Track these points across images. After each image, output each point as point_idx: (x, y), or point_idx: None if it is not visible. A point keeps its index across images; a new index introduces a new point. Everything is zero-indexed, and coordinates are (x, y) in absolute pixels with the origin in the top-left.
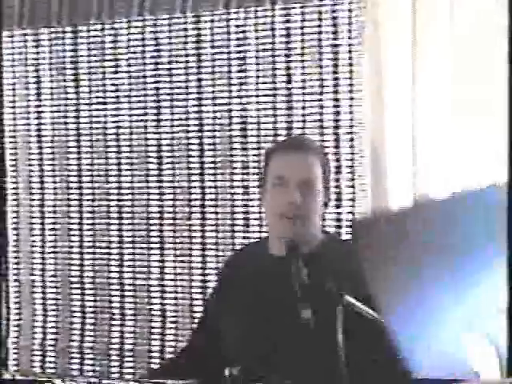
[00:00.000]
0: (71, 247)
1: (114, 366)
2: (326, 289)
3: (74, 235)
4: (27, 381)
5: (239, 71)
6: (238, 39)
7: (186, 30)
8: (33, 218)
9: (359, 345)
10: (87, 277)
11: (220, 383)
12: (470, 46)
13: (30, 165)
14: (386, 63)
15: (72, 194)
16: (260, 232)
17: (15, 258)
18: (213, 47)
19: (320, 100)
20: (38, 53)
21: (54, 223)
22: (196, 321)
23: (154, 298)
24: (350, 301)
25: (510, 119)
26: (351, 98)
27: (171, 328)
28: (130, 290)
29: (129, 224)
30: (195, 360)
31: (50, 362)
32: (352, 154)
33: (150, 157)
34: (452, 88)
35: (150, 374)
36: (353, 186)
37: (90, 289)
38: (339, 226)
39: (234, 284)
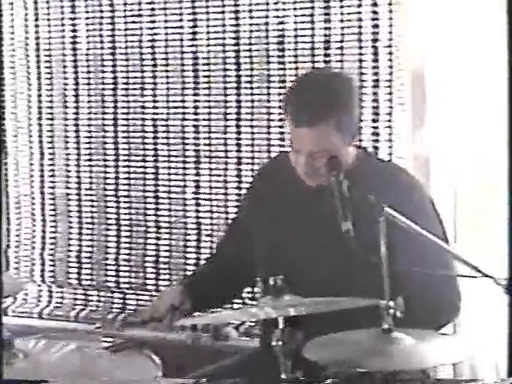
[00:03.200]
0: (106, 160)
1: (150, 279)
2: (368, 201)
3: (109, 149)
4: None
5: None
6: None
7: None
8: (67, 131)
9: (402, 257)
10: (123, 190)
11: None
12: None
13: (65, 77)
14: None
15: (106, 107)
16: None
17: (50, 171)
18: None
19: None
20: None
21: (89, 136)
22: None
23: (189, 211)
24: (392, 213)
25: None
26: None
27: (206, 241)
28: (164, 203)
29: (164, 138)
30: (223, 269)
31: (87, 275)
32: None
33: (185, 71)
34: None
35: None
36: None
37: (125, 202)
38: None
39: (269, 193)
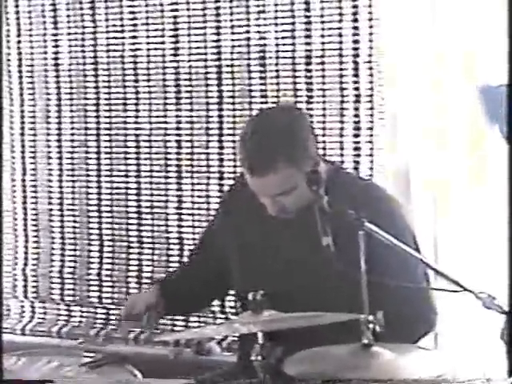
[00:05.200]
0: (88, 176)
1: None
2: (347, 216)
3: (91, 164)
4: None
5: None
6: None
7: None
8: (49, 146)
9: (382, 271)
10: (105, 205)
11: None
12: None
13: (47, 93)
14: None
15: (89, 122)
16: None
17: (33, 186)
18: None
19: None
20: None
21: (71, 152)
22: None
23: (171, 226)
24: (371, 227)
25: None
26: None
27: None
28: (147, 219)
29: (146, 153)
30: (196, 277)
31: (69, 290)
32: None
33: (167, 86)
34: None
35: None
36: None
37: (108, 217)
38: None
39: (238, 207)
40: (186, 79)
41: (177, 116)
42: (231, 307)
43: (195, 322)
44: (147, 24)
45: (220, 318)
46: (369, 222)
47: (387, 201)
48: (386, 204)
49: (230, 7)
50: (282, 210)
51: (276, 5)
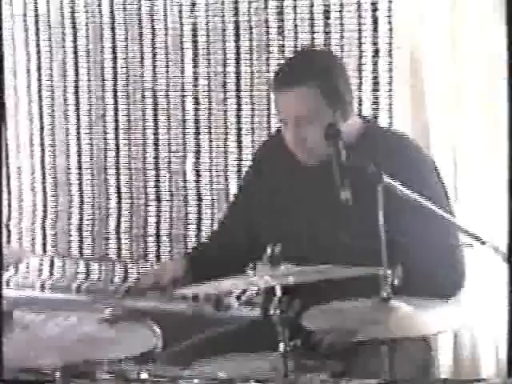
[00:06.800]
0: (106, 132)
1: (151, 249)
2: (367, 170)
3: (108, 120)
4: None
5: None
6: None
7: None
8: (67, 102)
9: (400, 225)
10: (123, 161)
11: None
12: None
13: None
14: None
15: (106, 79)
16: None
17: (51, 142)
18: None
19: None
20: None
21: (89, 107)
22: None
23: (189, 181)
24: (391, 182)
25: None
26: None
27: (207, 212)
28: (165, 175)
29: (164, 109)
30: (226, 246)
31: (88, 246)
32: None
33: (184, 42)
34: None
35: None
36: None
37: (126, 173)
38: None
39: (270, 164)
40: (203, 34)
41: (194, 72)
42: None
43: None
44: None
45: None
46: (401, 178)
47: (420, 157)
48: (418, 159)
49: None
50: (304, 146)
51: None
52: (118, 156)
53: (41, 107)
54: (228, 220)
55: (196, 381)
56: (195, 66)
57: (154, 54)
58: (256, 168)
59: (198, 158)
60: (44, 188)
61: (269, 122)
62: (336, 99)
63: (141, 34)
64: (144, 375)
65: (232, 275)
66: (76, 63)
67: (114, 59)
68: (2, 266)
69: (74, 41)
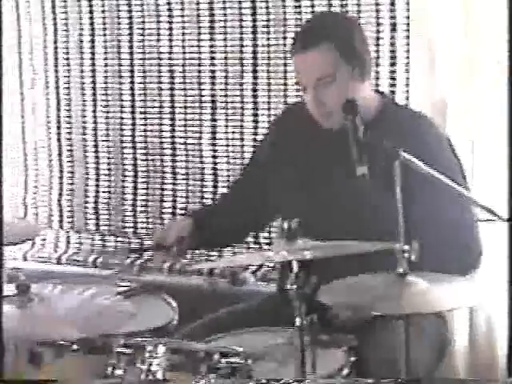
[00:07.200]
0: (122, 107)
1: None
2: (384, 146)
3: (125, 96)
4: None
5: None
6: None
7: None
8: (83, 81)
9: (417, 200)
10: (139, 136)
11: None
12: None
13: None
14: None
15: (122, 58)
16: None
17: (67, 117)
18: None
19: None
20: None
21: (106, 83)
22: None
23: (206, 157)
24: (408, 157)
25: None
26: None
27: (223, 187)
28: (181, 149)
29: (180, 84)
30: (235, 210)
31: (104, 220)
32: None
33: (201, 22)
34: None
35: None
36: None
37: (142, 148)
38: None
39: (285, 138)
40: (220, 8)
41: (211, 46)
42: (265, 238)
43: (229, 252)
44: None
45: (253, 248)
46: (416, 154)
47: (436, 133)
48: (434, 136)
49: None
50: (324, 109)
51: None
52: (134, 131)
53: (57, 82)
54: (238, 187)
55: (216, 356)
56: (211, 40)
57: (171, 29)
58: (273, 138)
59: (214, 133)
60: (60, 163)
61: (285, 96)
62: (353, 57)
63: (157, 9)
64: (161, 349)
65: (234, 242)
66: (92, 39)
67: (131, 35)
68: (1, 241)
69: (91, 17)
